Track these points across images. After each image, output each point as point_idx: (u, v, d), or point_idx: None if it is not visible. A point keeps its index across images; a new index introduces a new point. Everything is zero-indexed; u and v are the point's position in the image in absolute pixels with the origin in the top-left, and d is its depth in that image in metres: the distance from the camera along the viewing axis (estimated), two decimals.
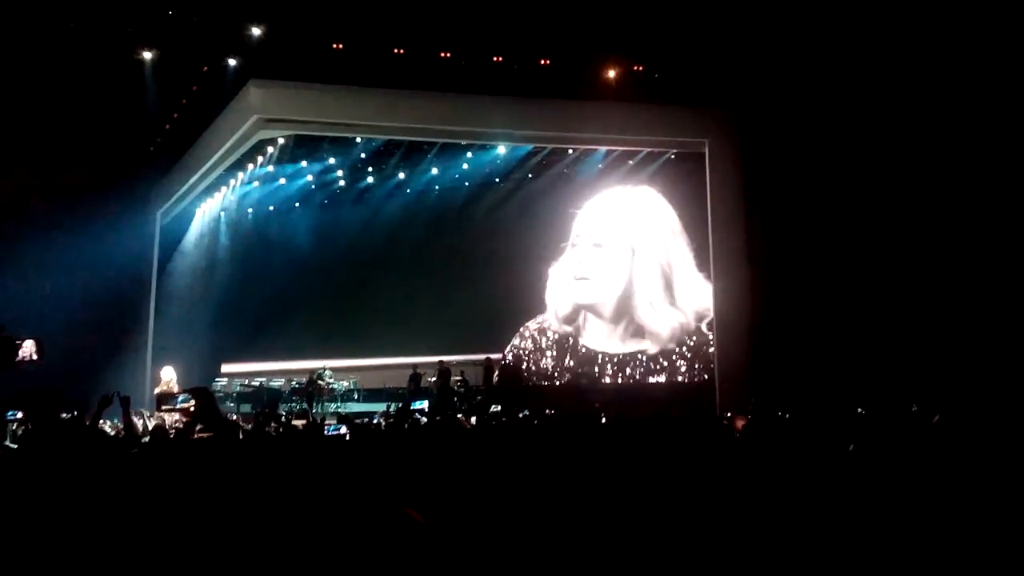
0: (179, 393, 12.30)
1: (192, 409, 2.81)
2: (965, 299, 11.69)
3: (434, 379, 16.94)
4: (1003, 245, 11.37)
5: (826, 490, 2.93)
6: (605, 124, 16.00)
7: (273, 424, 6.62)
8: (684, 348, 17.82)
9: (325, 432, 4.07)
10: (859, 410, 6.88)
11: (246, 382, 18.43)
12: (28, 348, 2.83)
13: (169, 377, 13.51)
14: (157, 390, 13.25)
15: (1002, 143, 11.44)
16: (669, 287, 18.07)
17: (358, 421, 8.69)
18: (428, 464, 3.01)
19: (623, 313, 18.26)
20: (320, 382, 17.67)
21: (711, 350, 16.59)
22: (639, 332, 18.14)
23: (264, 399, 16.30)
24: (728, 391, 14.30)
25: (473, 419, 8.38)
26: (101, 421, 5.17)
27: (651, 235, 18.40)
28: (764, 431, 5.88)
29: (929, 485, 2.40)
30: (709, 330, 16.91)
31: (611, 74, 15.20)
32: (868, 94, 13.33)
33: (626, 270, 18.23)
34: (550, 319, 19.23)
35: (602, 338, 18.48)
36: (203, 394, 2.77)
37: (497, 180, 20.35)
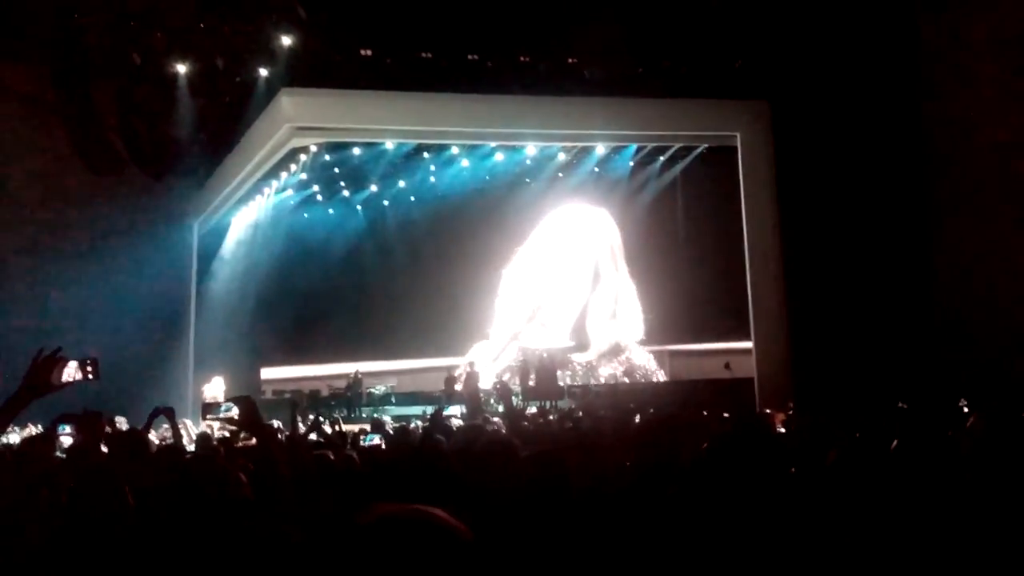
0: (222, 403, 12.56)
1: (236, 417, 2.85)
2: (1004, 293, 11.45)
3: (463, 383, 16.88)
4: None
5: (867, 487, 2.89)
6: (635, 120, 15.91)
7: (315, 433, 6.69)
8: (618, 362, 19.20)
9: (361, 443, 4.05)
10: (900, 405, 6.77)
11: (285, 389, 18.64)
12: (71, 370, 2.86)
13: (217, 387, 13.72)
14: (205, 399, 13.46)
15: None
16: (615, 305, 19.76)
17: (395, 426, 8.73)
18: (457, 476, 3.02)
19: (576, 325, 19.81)
20: (358, 388, 17.84)
21: (647, 370, 18.81)
22: (582, 343, 19.60)
23: (304, 405, 16.44)
24: (767, 388, 14.16)
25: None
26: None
27: (609, 256, 20.06)
28: (807, 429, 5.82)
29: (972, 485, 2.36)
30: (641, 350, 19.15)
31: (640, 70, 15.13)
32: (907, 83, 13.14)
33: (587, 286, 19.94)
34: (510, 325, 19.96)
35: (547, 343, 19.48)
36: (246, 403, 2.81)
37: (528, 180, 20.36)
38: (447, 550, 1.39)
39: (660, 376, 19.08)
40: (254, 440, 3.19)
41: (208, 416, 10.46)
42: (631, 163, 19.17)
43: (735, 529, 2.47)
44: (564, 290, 19.95)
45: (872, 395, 8.47)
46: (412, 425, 10.16)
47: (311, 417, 7.66)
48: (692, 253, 18.32)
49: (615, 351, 19.37)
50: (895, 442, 3.85)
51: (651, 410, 7.93)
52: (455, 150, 18.87)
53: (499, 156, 19.18)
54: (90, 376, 2.94)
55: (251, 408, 2.78)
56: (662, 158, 18.76)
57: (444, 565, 1.37)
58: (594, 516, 2.68)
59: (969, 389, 8.57)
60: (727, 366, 16.32)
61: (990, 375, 10.36)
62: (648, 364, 19.21)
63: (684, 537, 2.45)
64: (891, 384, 10.31)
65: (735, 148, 15.72)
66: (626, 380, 18.62)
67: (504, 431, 6.47)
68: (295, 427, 4.78)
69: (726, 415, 7.25)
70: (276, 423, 8.65)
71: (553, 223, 20.42)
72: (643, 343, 19.47)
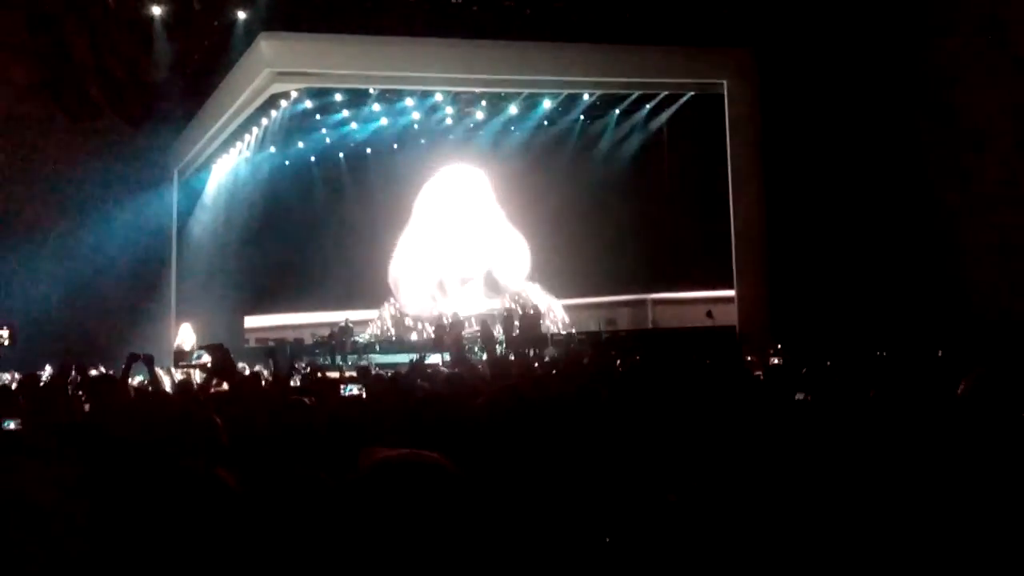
0: (193, 350, 12.57)
1: (208, 365, 2.83)
2: (990, 244, 11.47)
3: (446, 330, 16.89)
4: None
5: (846, 437, 2.91)
6: (622, 66, 15.72)
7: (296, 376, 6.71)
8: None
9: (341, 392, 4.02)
10: (880, 353, 6.82)
11: (268, 338, 18.61)
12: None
13: (187, 334, 13.64)
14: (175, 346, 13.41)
15: None
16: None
17: (378, 372, 8.76)
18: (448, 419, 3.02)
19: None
20: (344, 336, 17.84)
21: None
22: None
23: (288, 353, 16.44)
24: (749, 336, 14.24)
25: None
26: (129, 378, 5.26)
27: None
28: (788, 375, 5.86)
29: (952, 434, 2.36)
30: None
31: (627, 15, 14.89)
32: (894, 27, 12.98)
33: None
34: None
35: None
36: (218, 350, 2.78)
37: (513, 128, 20.16)
38: (444, 489, 1.47)
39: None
40: (225, 386, 3.17)
41: (181, 364, 10.46)
42: (616, 111, 19.04)
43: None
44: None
45: (854, 343, 8.52)
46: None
47: (296, 365, 7.65)
48: (676, 201, 18.25)
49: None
50: (872, 390, 3.89)
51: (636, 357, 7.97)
52: (439, 97, 18.60)
53: (483, 103, 19.00)
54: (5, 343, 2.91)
55: (224, 355, 2.75)
56: (648, 106, 18.59)
57: (441, 503, 1.46)
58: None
59: (950, 338, 8.63)
60: (709, 314, 16.37)
61: (974, 324, 10.44)
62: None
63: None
64: (874, 333, 10.37)
65: (721, 96, 15.60)
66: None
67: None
68: (285, 373, 4.76)
69: (708, 361, 7.28)
70: (260, 369, 8.66)
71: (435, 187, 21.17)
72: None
